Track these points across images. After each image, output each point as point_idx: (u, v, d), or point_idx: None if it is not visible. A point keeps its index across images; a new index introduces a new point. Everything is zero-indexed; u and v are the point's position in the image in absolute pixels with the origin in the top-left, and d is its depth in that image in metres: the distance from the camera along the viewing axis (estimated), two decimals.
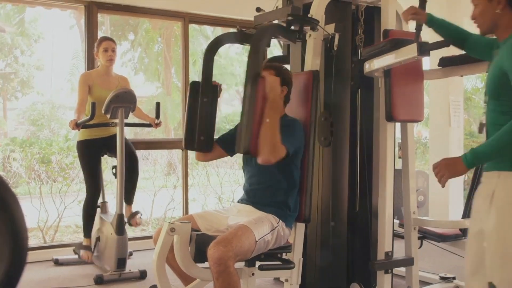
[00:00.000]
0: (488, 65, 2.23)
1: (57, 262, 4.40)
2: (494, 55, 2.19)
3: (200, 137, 2.78)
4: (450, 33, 2.47)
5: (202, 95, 2.79)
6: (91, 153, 4.26)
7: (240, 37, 2.90)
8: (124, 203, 4.10)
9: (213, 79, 2.83)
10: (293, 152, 2.63)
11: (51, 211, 5.70)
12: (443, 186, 2.11)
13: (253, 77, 2.47)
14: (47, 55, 14.77)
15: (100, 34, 5.13)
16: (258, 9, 3.29)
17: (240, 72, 14.30)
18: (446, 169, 2.06)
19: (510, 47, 2.03)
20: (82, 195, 4.48)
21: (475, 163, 2.02)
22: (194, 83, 2.83)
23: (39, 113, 13.40)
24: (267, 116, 2.53)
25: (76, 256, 4.43)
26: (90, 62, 4.63)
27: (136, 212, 4.38)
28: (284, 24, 2.87)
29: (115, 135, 4.08)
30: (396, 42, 2.86)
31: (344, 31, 3.20)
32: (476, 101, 10.30)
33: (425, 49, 2.59)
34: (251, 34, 2.83)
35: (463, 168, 2.03)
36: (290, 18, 2.83)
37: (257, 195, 2.75)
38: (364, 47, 3.20)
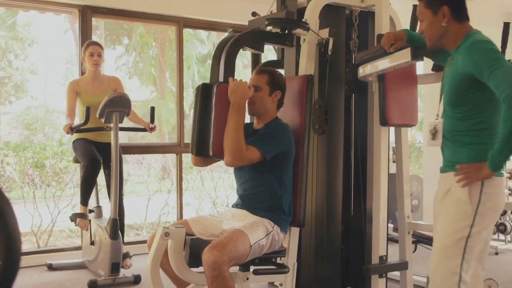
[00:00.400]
0: (443, 73, 2.34)
1: (50, 267, 4.38)
2: (447, 62, 2.31)
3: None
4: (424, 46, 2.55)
5: None
6: (89, 145, 4.22)
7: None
8: None
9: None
10: (273, 156, 2.63)
11: (44, 216, 5.66)
12: (462, 186, 2.15)
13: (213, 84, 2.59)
14: (41, 59, 14.69)
15: (94, 39, 5.12)
16: (254, 14, 3.30)
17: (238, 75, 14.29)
18: (474, 172, 2.13)
19: (465, 51, 2.14)
20: (76, 199, 4.46)
21: (496, 163, 2.07)
22: (205, 85, 2.70)
23: (33, 117, 13.34)
24: (229, 119, 2.58)
25: (70, 261, 4.44)
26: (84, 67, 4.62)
27: (127, 254, 4.36)
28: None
29: (109, 144, 4.04)
30: None
31: (338, 35, 3.22)
32: None
33: (418, 54, 2.61)
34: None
35: (488, 171, 2.09)
36: (267, 23, 2.85)
37: (251, 199, 2.75)
38: (358, 52, 3.20)
